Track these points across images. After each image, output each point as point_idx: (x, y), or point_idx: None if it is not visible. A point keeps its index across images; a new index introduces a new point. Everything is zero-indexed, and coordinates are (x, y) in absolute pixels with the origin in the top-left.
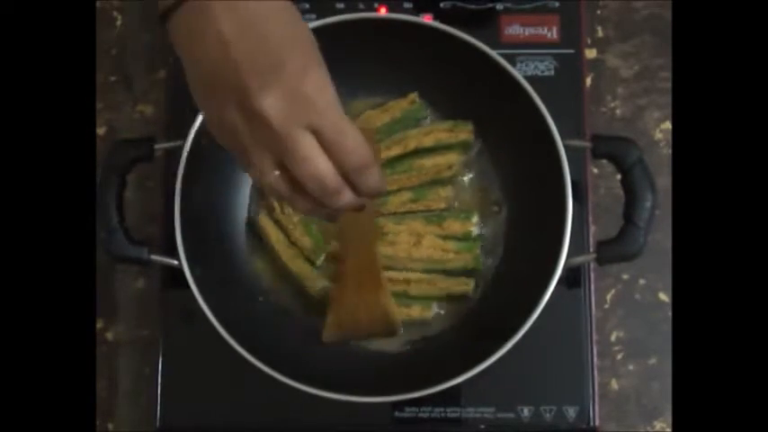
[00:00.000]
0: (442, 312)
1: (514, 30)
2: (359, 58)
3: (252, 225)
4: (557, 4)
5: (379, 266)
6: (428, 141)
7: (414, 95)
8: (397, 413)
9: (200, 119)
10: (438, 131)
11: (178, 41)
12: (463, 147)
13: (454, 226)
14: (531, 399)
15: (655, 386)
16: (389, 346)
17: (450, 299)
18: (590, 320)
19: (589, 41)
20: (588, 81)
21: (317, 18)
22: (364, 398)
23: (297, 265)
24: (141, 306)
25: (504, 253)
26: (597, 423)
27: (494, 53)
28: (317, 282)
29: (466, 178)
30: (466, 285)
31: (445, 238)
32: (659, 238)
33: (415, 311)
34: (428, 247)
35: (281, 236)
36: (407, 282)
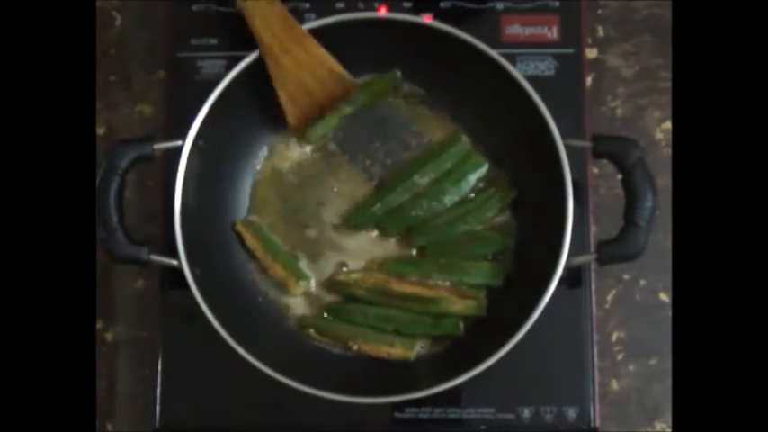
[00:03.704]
0: (426, 351)
1: (514, 29)
2: (359, 57)
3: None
4: (557, 4)
5: (293, 22)
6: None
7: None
8: (397, 414)
9: (199, 119)
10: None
11: None
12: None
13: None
14: (531, 399)
15: (655, 386)
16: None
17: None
18: (590, 321)
19: (589, 41)
20: (588, 81)
21: (317, 18)
22: (364, 398)
23: (276, 272)
24: (141, 306)
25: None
26: (597, 423)
27: (494, 53)
28: (297, 286)
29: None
30: (455, 327)
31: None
32: (659, 238)
33: (397, 351)
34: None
35: (258, 243)
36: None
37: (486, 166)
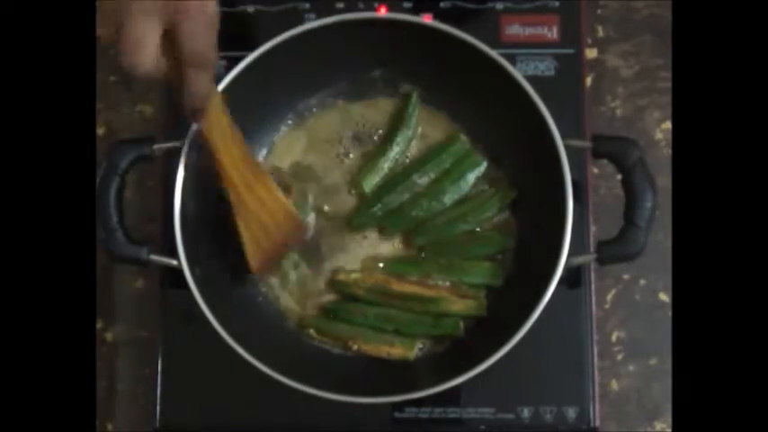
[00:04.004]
0: (426, 351)
1: (514, 30)
2: (359, 57)
3: None
4: (557, 4)
5: (253, 161)
6: None
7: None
8: (396, 413)
9: None
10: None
11: None
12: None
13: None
14: (531, 399)
15: (655, 386)
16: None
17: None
18: (590, 320)
19: (589, 41)
20: (588, 81)
21: (317, 18)
22: (364, 398)
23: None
24: (141, 306)
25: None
26: (597, 423)
27: (494, 53)
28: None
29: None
30: (455, 328)
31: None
32: (659, 238)
33: (397, 351)
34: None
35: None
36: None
37: (485, 165)
